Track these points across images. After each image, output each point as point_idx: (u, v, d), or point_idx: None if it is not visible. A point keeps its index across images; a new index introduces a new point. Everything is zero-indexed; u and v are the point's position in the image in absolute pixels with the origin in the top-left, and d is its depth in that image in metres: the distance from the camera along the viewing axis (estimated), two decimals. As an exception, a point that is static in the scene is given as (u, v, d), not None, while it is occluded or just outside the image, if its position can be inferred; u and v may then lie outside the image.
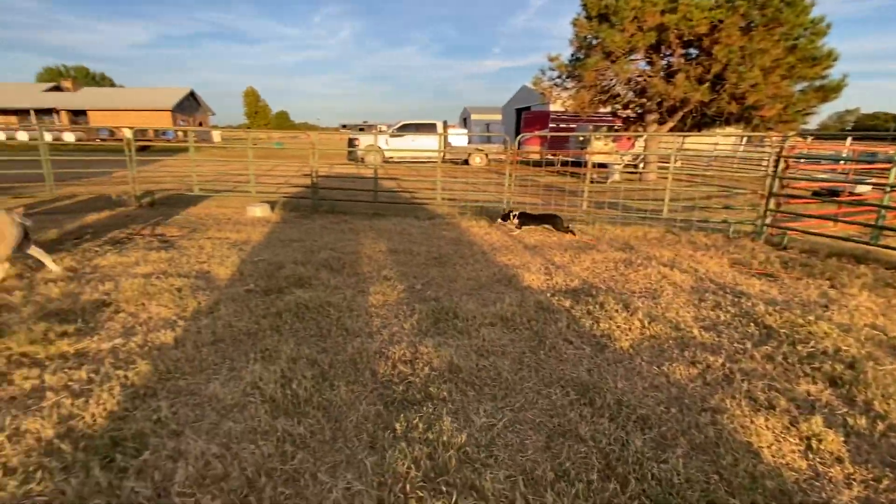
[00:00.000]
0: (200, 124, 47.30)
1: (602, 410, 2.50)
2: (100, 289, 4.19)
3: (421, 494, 1.88)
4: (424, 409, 2.50)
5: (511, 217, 7.41)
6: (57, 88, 43.40)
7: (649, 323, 3.64)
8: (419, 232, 7.25)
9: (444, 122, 23.20)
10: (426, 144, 18.49)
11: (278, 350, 3.11)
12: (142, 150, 21.09)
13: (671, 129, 14.86)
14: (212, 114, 52.93)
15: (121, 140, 10.09)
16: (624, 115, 16.63)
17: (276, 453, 2.12)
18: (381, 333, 3.49)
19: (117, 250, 5.58)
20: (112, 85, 60.53)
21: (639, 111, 15.79)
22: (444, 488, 1.91)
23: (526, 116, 26.68)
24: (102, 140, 25.64)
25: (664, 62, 14.09)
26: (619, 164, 15.39)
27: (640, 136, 16.82)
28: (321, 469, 2.05)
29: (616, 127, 19.61)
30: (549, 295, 4.35)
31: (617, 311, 3.88)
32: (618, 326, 3.60)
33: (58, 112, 38.82)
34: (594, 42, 13.94)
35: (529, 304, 4.08)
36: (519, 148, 9.73)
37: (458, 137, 22.83)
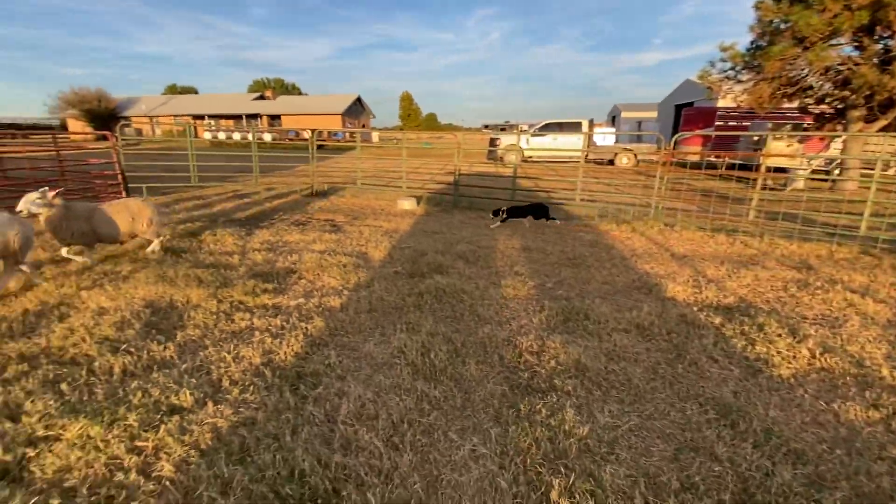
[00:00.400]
0: (363, 126, 53.58)
1: (745, 435, 2.28)
2: (288, 259, 5.22)
3: (540, 470, 2.01)
4: (548, 397, 2.60)
5: (500, 213, 7.62)
6: (261, 97, 53.66)
7: (822, 354, 3.11)
8: (554, 232, 7.22)
9: (590, 121, 22.20)
10: (568, 144, 18.02)
11: (420, 325, 3.52)
12: (318, 148, 24.90)
13: (882, 129, 11.86)
14: (373, 116, 59.51)
15: (304, 140, 12.14)
16: (817, 112, 13.81)
17: (415, 408, 2.47)
18: (510, 324, 3.67)
19: (300, 230, 6.83)
20: (299, 93, 72.33)
21: (839, 106, 12.94)
22: (562, 469, 2.01)
23: (686, 114, 23.94)
24: (290, 140, 30.93)
25: (879, 46, 11.29)
26: (805, 169, 12.87)
27: (839, 136, 13.78)
28: (451, 429, 2.33)
29: (805, 125, 16.36)
30: (695, 309, 4.00)
31: (780, 335, 3.39)
32: (778, 352, 3.16)
33: (260, 117, 47.99)
34: (782, 27, 11.86)
35: (671, 315, 3.82)
36: (675, 148, 8.88)
37: (604, 136, 21.67)
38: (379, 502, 1.80)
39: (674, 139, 8.83)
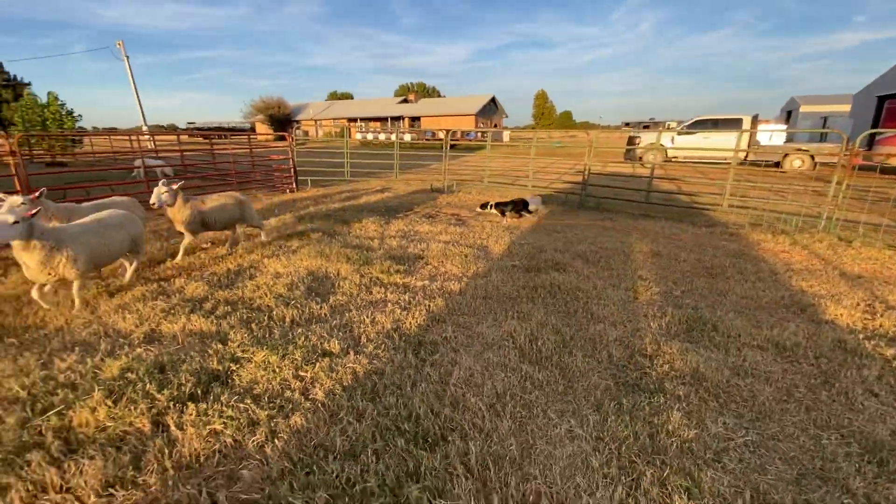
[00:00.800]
0: (495, 126, 54.53)
1: (895, 476, 1.98)
2: (418, 247, 5.82)
3: (634, 459, 2.06)
4: (655, 398, 2.57)
5: (489, 207, 8.05)
6: (405, 101, 58.30)
7: None
8: (691, 238, 6.64)
9: (754, 117, 19.25)
10: (721, 142, 15.95)
11: (531, 314, 3.69)
12: (451, 147, 26.25)
13: None
14: (505, 116, 60.09)
15: (439, 140, 13.01)
16: None
17: (518, 385, 2.68)
18: (624, 325, 3.61)
19: (429, 222, 7.47)
20: (438, 95, 76.58)
21: None
22: (658, 463, 2.03)
23: (891, 107, 19.18)
24: (427, 140, 33.16)
25: None
26: None
27: None
28: (551, 409, 2.48)
29: None
30: (861, 337, 3.41)
31: (983, 379, 2.74)
32: (974, 398, 2.57)
33: (403, 119, 52.23)
34: None
35: (825, 339, 3.34)
36: (870, 148, 7.29)
37: (771, 135, 18.60)
38: (478, 451, 2.07)
39: (860, 137, 7.27)
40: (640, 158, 17.23)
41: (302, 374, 2.73)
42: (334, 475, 1.93)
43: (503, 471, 1.98)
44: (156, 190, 4.77)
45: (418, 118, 50.72)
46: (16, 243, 3.20)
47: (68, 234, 3.52)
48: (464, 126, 44.91)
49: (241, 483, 1.91)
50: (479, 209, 8.52)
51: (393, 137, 14.07)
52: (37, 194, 4.15)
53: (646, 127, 33.76)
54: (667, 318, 3.69)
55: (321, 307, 3.76)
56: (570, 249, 5.77)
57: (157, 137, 21.55)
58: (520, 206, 8.10)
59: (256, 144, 15.32)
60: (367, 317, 3.59)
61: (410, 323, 3.50)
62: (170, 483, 1.91)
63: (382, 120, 51.90)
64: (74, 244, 3.48)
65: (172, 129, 42.71)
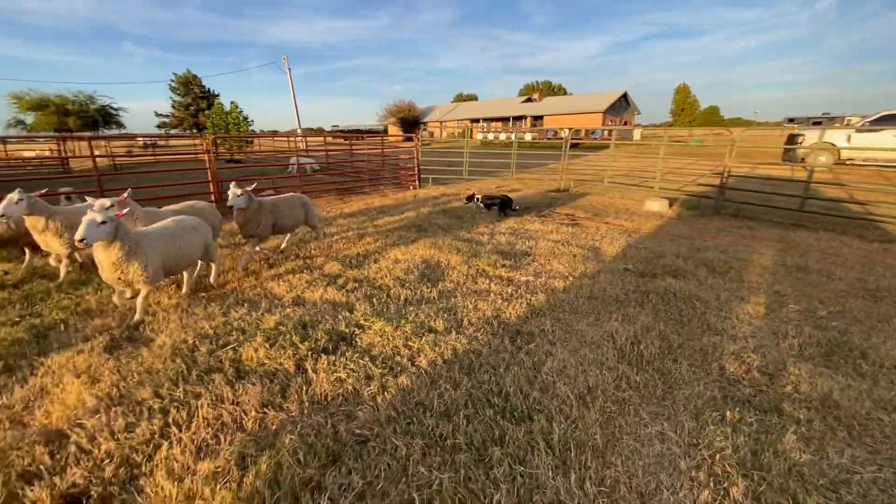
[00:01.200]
0: (625, 123, 50.98)
1: None
2: (526, 244, 5.94)
3: (729, 470, 1.97)
4: (769, 417, 2.37)
5: (475, 200, 8.22)
6: (529, 100, 57.80)
7: None
8: (855, 254, 5.60)
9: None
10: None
11: (636, 318, 3.59)
12: (572, 146, 25.36)
13: None
14: (637, 113, 55.73)
15: (560, 139, 12.79)
16: None
17: (611, 382, 2.69)
18: (745, 340, 3.30)
19: (541, 221, 7.51)
20: (564, 93, 74.21)
21: None
22: (755, 477, 1.91)
23: None
24: (548, 139, 32.54)
25: None
26: None
27: None
28: (643, 409, 2.46)
29: None
30: None
31: None
32: None
33: (525, 118, 51.89)
34: None
35: None
36: None
37: None
38: (562, 434, 2.19)
39: None
40: (803, 160, 14.66)
41: (410, 344, 3.12)
42: (430, 429, 2.23)
43: (584, 455, 2.07)
44: (231, 191, 4.59)
45: (541, 117, 49.91)
46: (98, 243, 3.18)
47: (147, 241, 3.44)
48: (590, 124, 42.89)
49: (357, 421, 2.32)
50: (465, 201, 8.82)
51: (513, 137, 14.21)
52: (124, 196, 4.10)
53: (817, 123, 28.43)
54: (801, 339, 3.27)
55: (431, 290, 4.16)
56: (694, 256, 5.34)
57: (308, 139, 24.98)
58: (506, 205, 8.22)
59: (387, 145, 16.85)
60: (471, 303, 3.87)
61: (510, 313, 3.69)
62: (305, 412, 2.42)
63: (504, 120, 52.26)
64: (150, 252, 3.40)
65: (320, 131, 48.88)
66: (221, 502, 1.82)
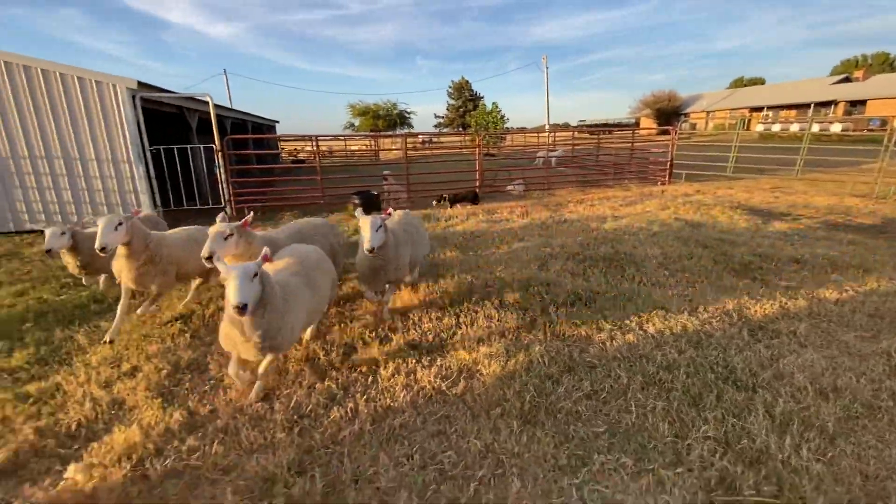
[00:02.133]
0: None
1: None
2: (798, 251, 5.22)
3: None
4: None
5: (443, 200, 8.88)
6: (846, 80, 43.83)
7: None
8: None
9: None
10: None
11: (939, 345, 2.98)
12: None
13: None
14: None
15: (883, 130, 9.76)
16: None
17: (869, 391, 2.50)
18: None
19: (825, 229, 6.28)
20: (911, 67, 52.85)
21: None
22: None
23: None
24: (869, 130, 24.30)
25: None
26: None
27: None
28: None
29: None
30: None
31: None
32: None
33: (836, 104, 39.73)
34: None
35: None
36: None
37: None
38: (786, 409, 2.30)
39: None
40: None
41: (640, 313, 3.54)
42: (651, 373, 2.69)
43: (809, 433, 2.16)
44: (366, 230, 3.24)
45: (863, 102, 37.46)
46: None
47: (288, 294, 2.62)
48: (955, 109, 29.73)
49: (587, 353, 2.98)
50: (434, 203, 8.98)
51: (816, 128, 11.60)
52: (248, 217, 3.41)
53: None
54: None
55: (668, 278, 4.37)
56: None
57: (556, 134, 26.14)
58: (470, 197, 9.10)
59: (638, 139, 16.18)
60: (710, 296, 3.93)
61: (756, 311, 3.60)
62: (548, 338, 3.21)
63: (802, 107, 41.49)
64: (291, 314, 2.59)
65: (566, 126, 49.77)
66: (493, 370, 2.80)
